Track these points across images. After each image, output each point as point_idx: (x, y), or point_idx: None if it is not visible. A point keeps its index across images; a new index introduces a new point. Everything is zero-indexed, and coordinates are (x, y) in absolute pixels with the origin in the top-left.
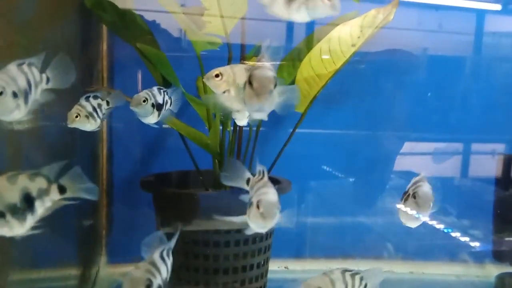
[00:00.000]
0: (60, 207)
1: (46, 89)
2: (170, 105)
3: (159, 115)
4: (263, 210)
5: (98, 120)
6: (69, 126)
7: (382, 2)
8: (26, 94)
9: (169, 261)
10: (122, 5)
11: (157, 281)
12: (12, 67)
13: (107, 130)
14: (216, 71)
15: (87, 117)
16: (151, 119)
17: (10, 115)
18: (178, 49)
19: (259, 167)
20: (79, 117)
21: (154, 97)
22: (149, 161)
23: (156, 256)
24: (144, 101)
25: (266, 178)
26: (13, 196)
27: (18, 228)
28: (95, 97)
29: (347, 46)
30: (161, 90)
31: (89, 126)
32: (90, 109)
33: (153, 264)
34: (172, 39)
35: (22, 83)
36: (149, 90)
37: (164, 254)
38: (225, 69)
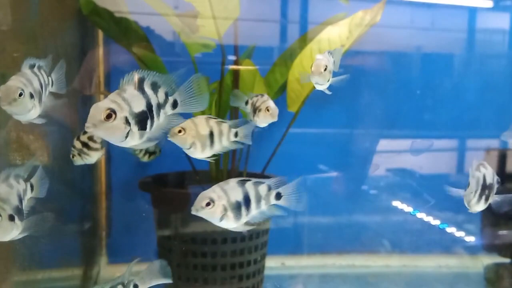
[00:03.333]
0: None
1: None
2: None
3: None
4: None
5: None
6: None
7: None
8: (40, 95)
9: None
10: (115, 8)
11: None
12: (26, 70)
13: None
14: (178, 127)
15: None
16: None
17: (27, 115)
18: (173, 53)
19: None
20: None
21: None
22: (147, 163)
23: None
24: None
25: None
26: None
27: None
28: None
29: (336, 47)
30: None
31: None
32: None
33: None
34: (167, 43)
35: (36, 84)
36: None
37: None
38: (186, 124)
